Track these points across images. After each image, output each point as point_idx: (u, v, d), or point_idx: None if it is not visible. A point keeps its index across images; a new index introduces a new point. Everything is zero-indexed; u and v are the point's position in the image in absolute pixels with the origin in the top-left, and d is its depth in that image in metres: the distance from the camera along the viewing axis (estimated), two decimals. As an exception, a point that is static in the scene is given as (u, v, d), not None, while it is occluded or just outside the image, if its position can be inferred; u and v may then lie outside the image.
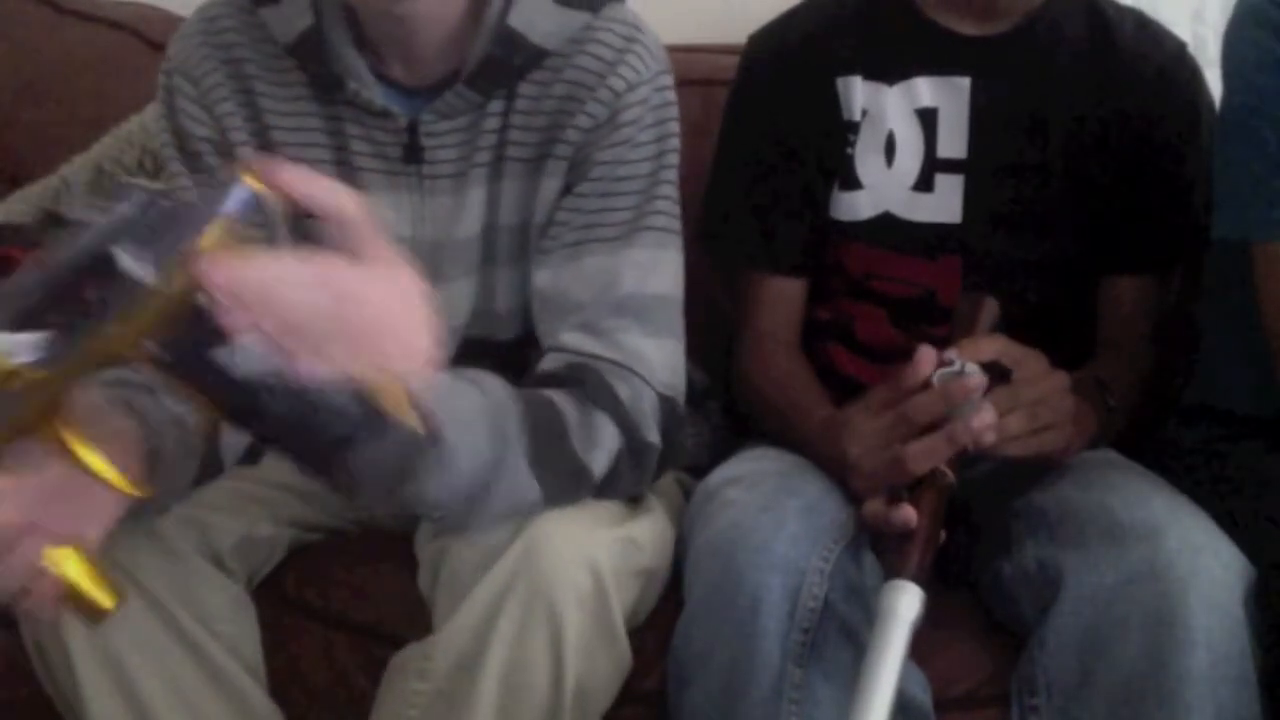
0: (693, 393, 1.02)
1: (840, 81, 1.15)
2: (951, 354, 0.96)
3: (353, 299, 0.60)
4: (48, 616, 0.68)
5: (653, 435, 0.93)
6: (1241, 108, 1.00)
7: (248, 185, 0.57)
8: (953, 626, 0.99)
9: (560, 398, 0.88)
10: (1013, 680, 0.94)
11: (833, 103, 1.15)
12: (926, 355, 0.96)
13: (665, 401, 0.95)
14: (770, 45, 1.20)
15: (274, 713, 1.01)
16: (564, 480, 0.87)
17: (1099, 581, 0.89)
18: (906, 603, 0.83)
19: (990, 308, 1.06)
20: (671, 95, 1.01)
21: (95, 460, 0.64)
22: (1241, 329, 1.04)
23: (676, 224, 1.01)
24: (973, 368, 0.95)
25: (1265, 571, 0.89)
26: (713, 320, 1.28)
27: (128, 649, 0.93)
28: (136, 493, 0.69)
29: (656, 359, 0.96)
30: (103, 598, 0.69)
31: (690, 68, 1.47)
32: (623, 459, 0.90)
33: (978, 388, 0.93)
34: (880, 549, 0.98)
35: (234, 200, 0.57)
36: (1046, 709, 0.90)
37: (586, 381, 0.90)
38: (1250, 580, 0.88)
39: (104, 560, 0.90)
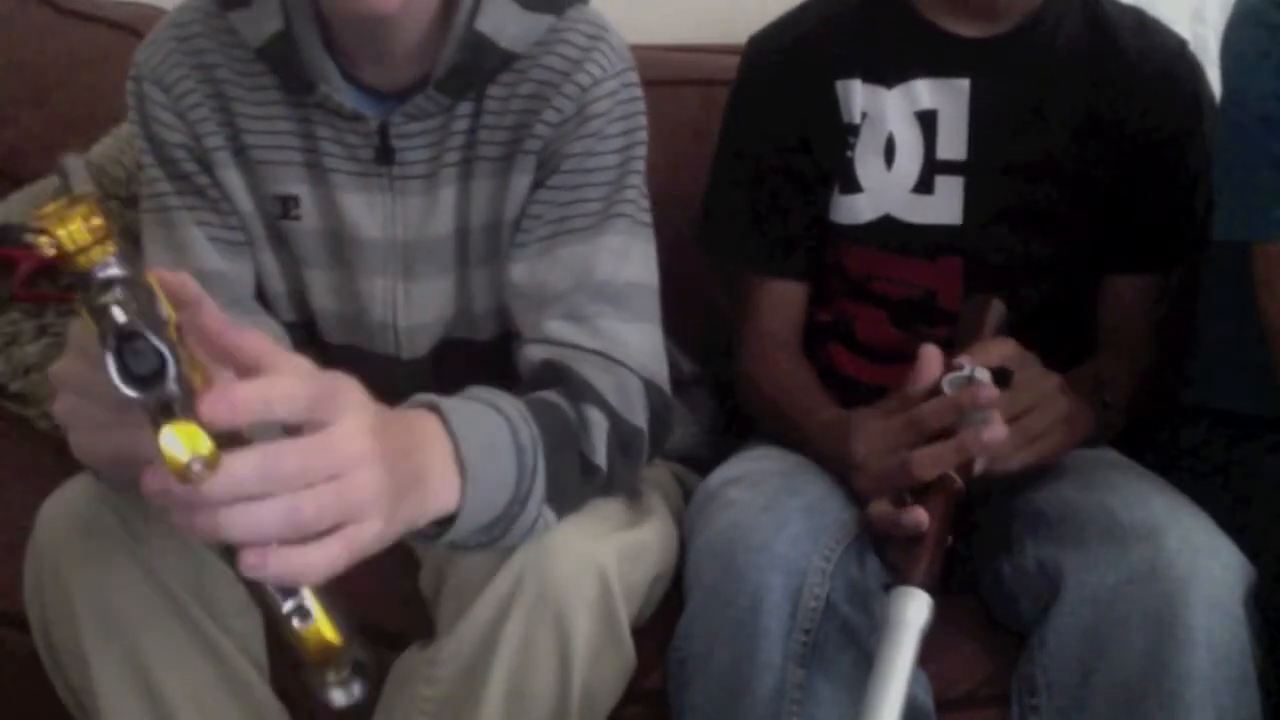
0: (681, 381, 1.02)
1: (840, 84, 1.15)
2: (963, 359, 0.96)
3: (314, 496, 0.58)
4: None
5: (639, 420, 0.94)
6: (1241, 108, 1.00)
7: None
8: (953, 627, 0.99)
9: (556, 397, 0.88)
10: (1013, 680, 0.95)
11: (832, 105, 1.15)
12: (932, 356, 0.96)
13: (649, 387, 0.96)
14: (770, 47, 1.20)
15: (281, 712, 1.01)
16: (577, 484, 0.87)
17: (1099, 581, 0.89)
18: (915, 609, 0.83)
19: (997, 309, 1.06)
20: (638, 91, 1.02)
21: None
22: (1241, 329, 1.04)
23: (646, 215, 1.02)
24: (983, 373, 0.94)
25: (1265, 571, 0.89)
26: (713, 320, 1.28)
27: (145, 645, 0.93)
28: None
29: (636, 344, 0.97)
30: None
31: (690, 68, 1.48)
32: (613, 447, 0.90)
33: (990, 399, 0.93)
34: (883, 551, 0.98)
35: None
36: (1046, 709, 0.91)
37: (569, 381, 0.91)
38: (1250, 580, 0.89)
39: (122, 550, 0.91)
